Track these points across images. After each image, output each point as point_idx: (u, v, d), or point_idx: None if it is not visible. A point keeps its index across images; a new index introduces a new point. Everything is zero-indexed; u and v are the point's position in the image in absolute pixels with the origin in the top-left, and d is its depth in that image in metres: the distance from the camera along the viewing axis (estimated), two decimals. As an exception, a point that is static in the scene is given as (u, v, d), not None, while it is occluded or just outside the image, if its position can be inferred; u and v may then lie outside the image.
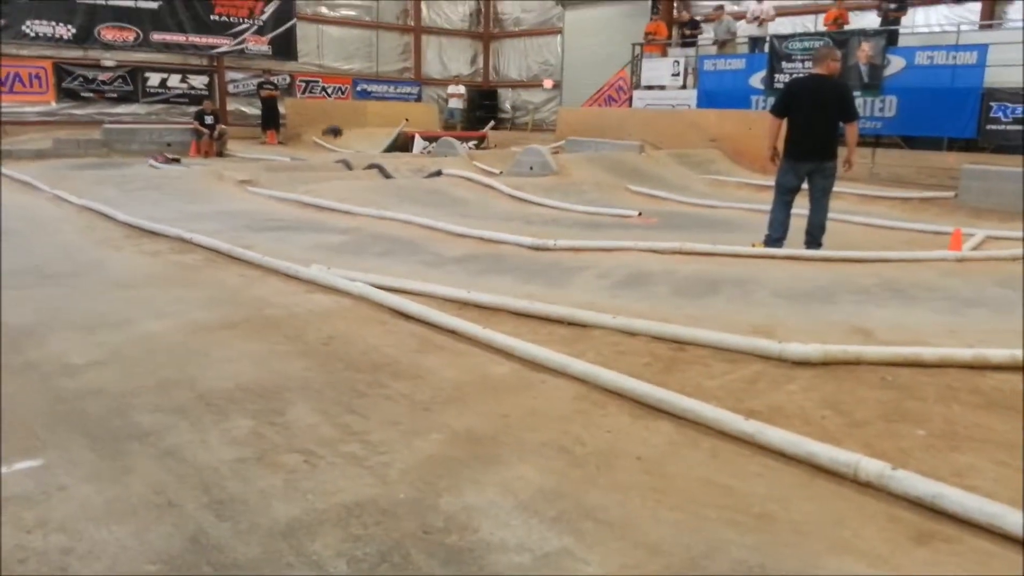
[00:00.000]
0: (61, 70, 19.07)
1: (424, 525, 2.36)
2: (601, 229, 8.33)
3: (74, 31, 18.98)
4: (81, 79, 19.39)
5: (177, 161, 13.02)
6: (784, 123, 6.88)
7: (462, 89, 23.83)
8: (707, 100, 16.07)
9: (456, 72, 25.67)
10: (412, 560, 2.18)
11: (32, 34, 18.47)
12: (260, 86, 20.20)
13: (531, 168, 12.59)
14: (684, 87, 17.04)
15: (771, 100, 14.85)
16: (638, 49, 18.30)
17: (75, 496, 2.49)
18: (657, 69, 17.71)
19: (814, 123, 6.76)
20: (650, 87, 17.69)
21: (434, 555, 2.21)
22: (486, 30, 26.64)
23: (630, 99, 18.05)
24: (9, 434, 2.91)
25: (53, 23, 18.69)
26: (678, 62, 17.34)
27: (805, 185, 7.00)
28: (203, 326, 4.31)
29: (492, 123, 22.81)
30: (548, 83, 24.22)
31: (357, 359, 3.79)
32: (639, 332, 4.19)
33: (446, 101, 23.91)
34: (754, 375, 3.60)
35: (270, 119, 19.81)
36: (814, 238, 7.00)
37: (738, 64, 16.11)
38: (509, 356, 3.83)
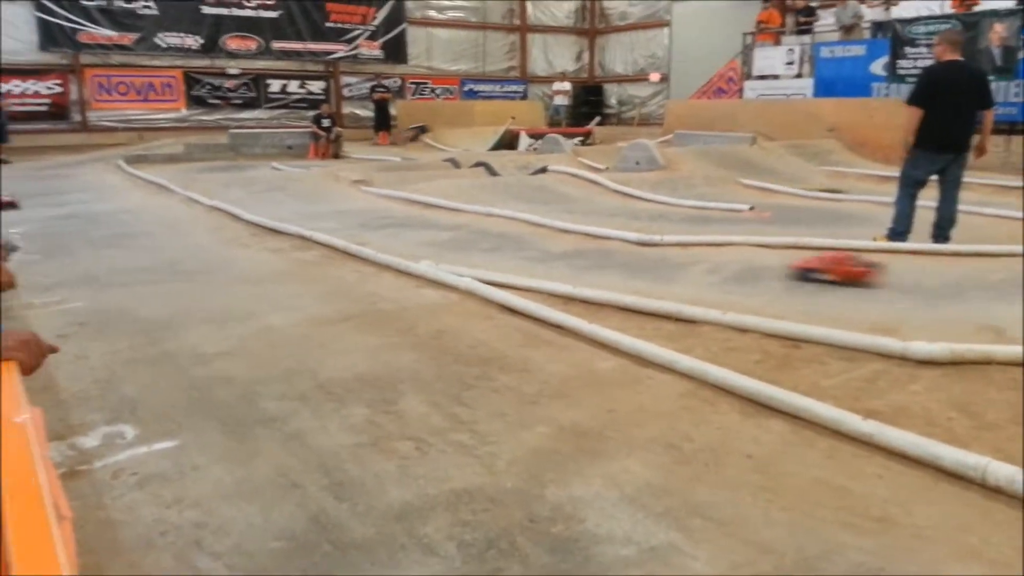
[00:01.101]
0: (190, 78, 20.34)
1: (530, 514, 2.40)
2: (710, 224, 8.14)
3: (201, 41, 20.21)
4: (208, 87, 20.63)
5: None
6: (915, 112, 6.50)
7: (567, 86, 23.79)
8: (824, 88, 15.39)
9: (561, 69, 25.66)
10: (519, 547, 2.22)
11: (164, 45, 19.81)
12: (373, 89, 20.94)
13: (637, 163, 12.43)
14: (799, 76, 16.39)
15: (894, 87, 14.24)
16: (749, 39, 17.73)
17: (208, 476, 2.68)
18: (770, 58, 17.11)
19: (954, 112, 6.37)
20: (762, 77, 17.11)
21: (540, 543, 2.24)
22: (592, 26, 26.49)
23: (741, 90, 17.54)
24: (149, 417, 3.16)
25: (182, 35, 19.97)
26: (792, 50, 16.69)
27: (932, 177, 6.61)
28: (322, 320, 4.52)
29: (598, 119, 22.66)
30: (655, 76, 23.85)
31: (465, 352, 3.88)
32: (751, 329, 4.08)
33: (551, 98, 23.94)
34: (874, 374, 3.44)
35: (382, 121, 20.47)
36: (942, 231, 6.60)
37: (858, 50, 15.35)
38: (615, 351, 3.83)
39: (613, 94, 25.96)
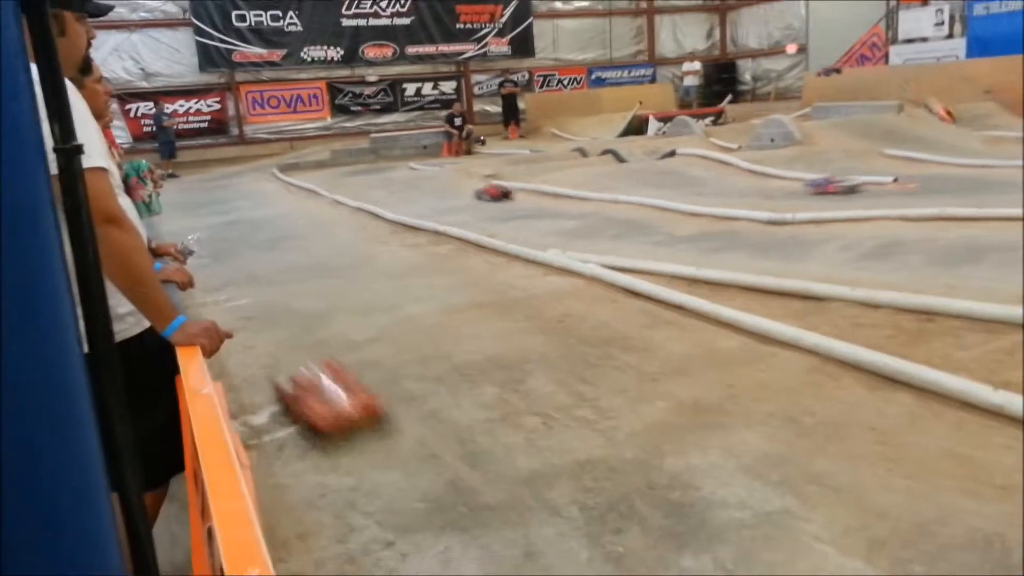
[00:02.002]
0: (333, 88, 21.59)
1: (649, 482, 2.54)
2: (850, 199, 7.84)
3: (342, 52, 21.39)
4: (350, 95, 21.81)
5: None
6: None
7: (697, 65, 23.27)
8: (979, 48, 14.28)
9: (691, 49, 25.10)
10: (637, 510, 2.38)
11: (309, 59, 21.13)
12: (501, 84, 21.39)
13: (772, 140, 12.07)
14: (950, 36, 15.27)
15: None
16: (893, 2, 16.67)
17: (359, 447, 3.00)
18: (917, 20, 16.04)
19: None
20: (909, 40, 16.07)
21: (658, 507, 2.39)
22: (722, 1, 25.71)
23: (886, 56, 16.55)
24: (309, 397, 3.55)
25: (325, 47, 21.21)
26: (941, 10, 15.57)
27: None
28: (455, 308, 4.83)
29: (730, 97, 22.04)
30: (791, 48, 22.83)
31: (589, 334, 4.05)
32: (882, 304, 3.99)
33: (681, 79, 23.51)
34: (1013, 346, 3.30)
35: (510, 114, 20.85)
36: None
37: (1016, 5, 14.11)
38: (738, 330, 3.87)
39: (747, 70, 25.08)
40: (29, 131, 0.56)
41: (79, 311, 0.74)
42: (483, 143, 17.77)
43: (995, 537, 2.08)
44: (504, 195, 9.38)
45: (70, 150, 0.73)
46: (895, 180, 8.60)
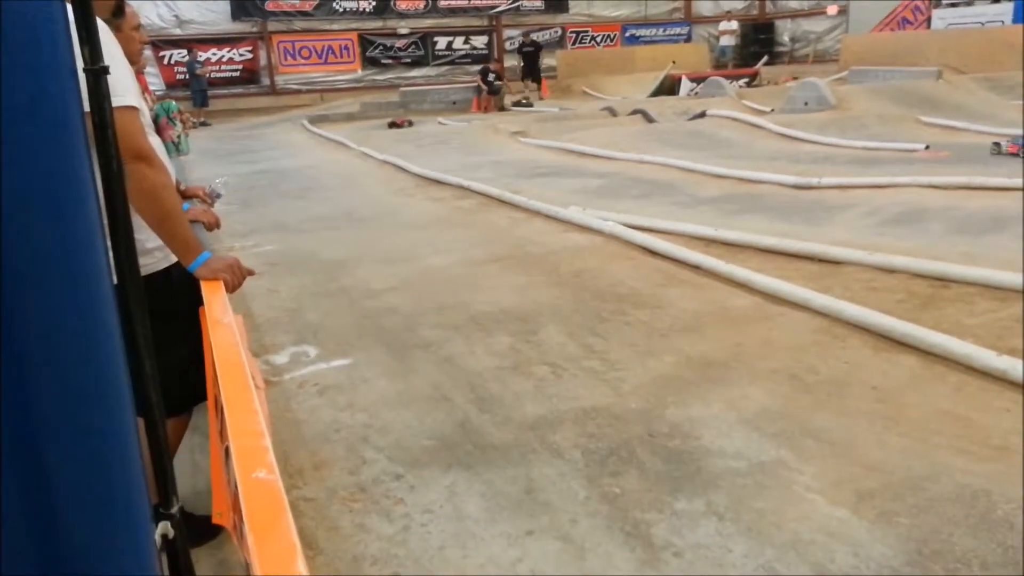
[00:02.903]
0: (364, 40, 21.50)
1: (650, 430, 2.63)
2: (879, 165, 7.74)
3: (374, 3, 21.24)
4: (381, 47, 21.72)
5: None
6: None
7: (734, 25, 22.76)
8: (1027, 13, 13.82)
9: (728, 8, 24.54)
10: (636, 456, 2.47)
11: (340, 9, 21.02)
12: (520, 47, 20.61)
13: (806, 103, 11.88)
14: (997, 0, 14.77)
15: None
16: (940, -39, 16.16)
17: (374, 387, 3.13)
18: (964, -18, 15.53)
19: None
20: (953, 4, 15.61)
21: (656, 454, 2.48)
22: (763, -42, 25.02)
23: (928, 20, 16.09)
24: (328, 340, 3.68)
25: (357, -2, 21.09)
26: (990, -29, 15.05)
27: None
28: (475, 261, 4.91)
29: (765, 58, 21.59)
30: (832, 9, 22.24)
31: (604, 290, 4.12)
32: (898, 269, 4.01)
33: (717, 39, 23.04)
34: (1024, 314, 3.32)
35: (531, 72, 20.11)
36: None
37: (1071, -34, 13.60)
38: (751, 290, 3.92)
39: (785, 31, 24.49)
40: (63, 51, 0.63)
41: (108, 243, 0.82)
42: (529, 104, 17.31)
43: (981, 493, 2.15)
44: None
45: (98, 71, 0.81)
46: (927, 148, 8.47)
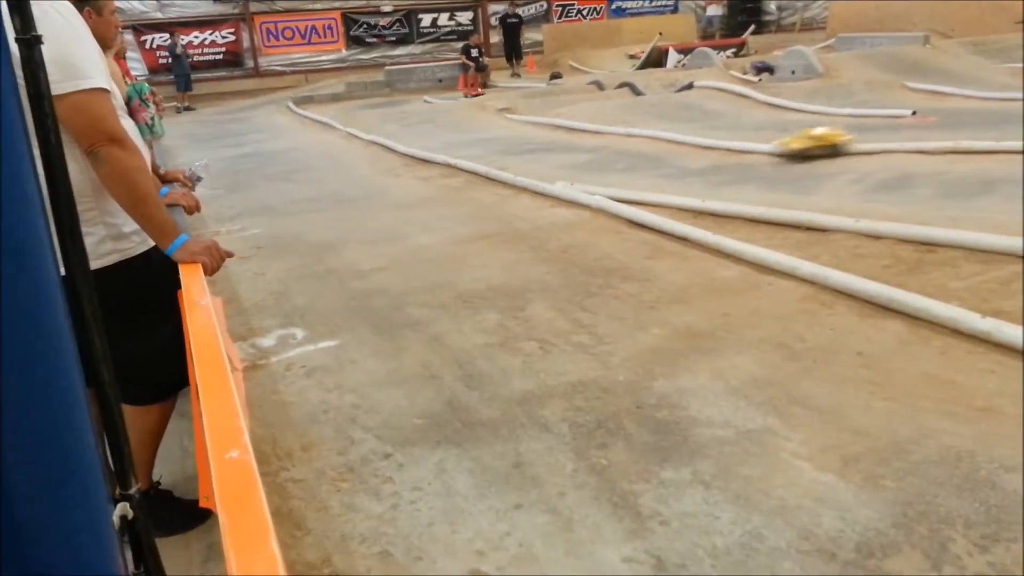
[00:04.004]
0: (348, 19, 21.26)
1: (638, 402, 2.64)
2: (867, 132, 7.70)
3: (357, -19, 20.97)
4: (365, 26, 21.48)
5: None
6: None
7: (722, -6, 22.59)
8: (1015, -26, 13.72)
9: (715, -23, 24.30)
10: (624, 428, 2.48)
11: (323, -12, 20.77)
12: (502, 19, 20.27)
13: (793, 72, 11.83)
14: (984, -38, 14.67)
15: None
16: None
17: (363, 368, 3.12)
18: (951, -56, 15.39)
19: None
20: (942, -33, 15.46)
21: (644, 425, 2.48)
22: (749, -74, 24.75)
23: (916, -17, 15.96)
24: (315, 321, 3.66)
25: (340, -26, 20.80)
26: (978, -67, 14.91)
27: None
28: (463, 239, 4.89)
29: (752, 27, 21.41)
30: (819, -24, 22.10)
31: (591, 265, 4.11)
32: (884, 235, 4.01)
33: (704, 9, 22.87)
34: (1010, 276, 3.32)
35: (512, 48, 19.88)
36: None
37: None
38: (738, 260, 3.91)
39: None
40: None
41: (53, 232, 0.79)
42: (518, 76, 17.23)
43: (965, 454, 2.16)
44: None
45: (30, 40, 0.78)
46: (913, 113, 8.46)
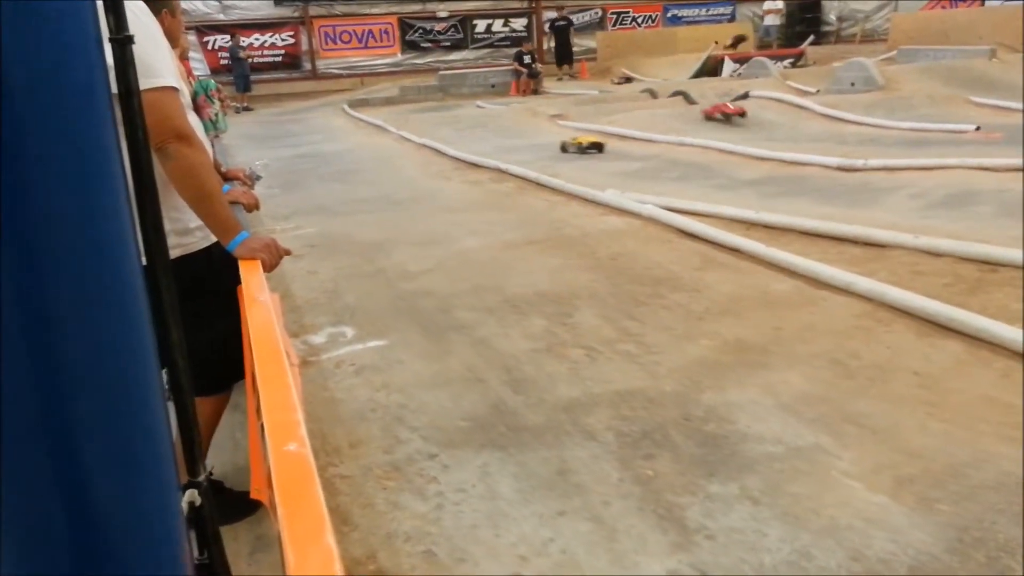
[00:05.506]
0: (404, 24, 21.51)
1: (685, 414, 2.61)
2: (927, 147, 7.54)
3: (414, -14, 21.22)
4: (420, 31, 21.71)
5: None
6: None
7: (780, 4, 22.20)
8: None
9: (774, -14, 23.96)
10: (671, 439, 2.46)
11: (380, -7, 21.06)
12: (552, 24, 20.38)
13: (852, 84, 11.60)
14: (1057, -26, 14.18)
15: None
16: (997, -66, 15.56)
17: (410, 368, 3.16)
18: (1022, -44, 14.92)
19: None
20: (1011, -21, 15.01)
21: (691, 437, 2.46)
22: (810, -65, 24.36)
23: (983, -4, 15.53)
24: (365, 321, 3.71)
25: (397, -20, 21.08)
26: (1051, -56, 14.43)
27: None
28: (511, 243, 4.91)
29: (811, 38, 21.03)
30: (881, -13, 21.62)
31: (640, 273, 4.08)
32: (944, 252, 3.90)
33: (761, 19, 22.54)
34: (1078, 299, 3.21)
35: (564, 54, 20.01)
36: None
37: None
38: (792, 274, 3.85)
39: (832, 9, 23.86)
40: (87, 20, 0.64)
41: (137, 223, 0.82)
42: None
43: (1026, 481, 2.09)
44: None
45: (123, 40, 0.82)
46: (977, 128, 8.22)
